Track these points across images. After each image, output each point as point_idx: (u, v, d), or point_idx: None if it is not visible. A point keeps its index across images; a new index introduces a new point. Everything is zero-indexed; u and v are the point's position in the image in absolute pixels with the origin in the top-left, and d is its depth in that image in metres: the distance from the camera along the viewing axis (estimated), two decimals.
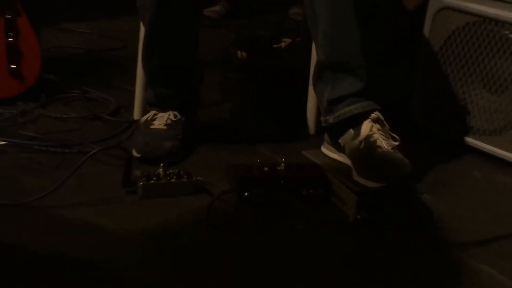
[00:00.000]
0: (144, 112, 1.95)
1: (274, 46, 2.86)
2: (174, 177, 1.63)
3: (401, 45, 2.36)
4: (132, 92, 2.07)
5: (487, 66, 1.93)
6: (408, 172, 1.57)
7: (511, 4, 1.92)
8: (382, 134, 1.67)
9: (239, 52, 2.78)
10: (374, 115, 1.71)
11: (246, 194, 1.60)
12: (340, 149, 1.76)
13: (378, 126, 1.69)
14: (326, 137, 1.84)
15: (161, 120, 1.86)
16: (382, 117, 1.71)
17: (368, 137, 1.66)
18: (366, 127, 1.68)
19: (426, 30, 2.05)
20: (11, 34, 2.02)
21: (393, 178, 1.56)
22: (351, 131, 1.71)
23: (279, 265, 1.39)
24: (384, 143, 1.65)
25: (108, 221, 1.51)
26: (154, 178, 1.61)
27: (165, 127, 1.84)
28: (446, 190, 1.77)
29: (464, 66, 1.98)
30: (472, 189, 1.83)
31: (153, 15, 1.77)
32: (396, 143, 1.67)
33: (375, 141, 1.65)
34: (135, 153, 1.76)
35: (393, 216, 1.58)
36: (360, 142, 1.66)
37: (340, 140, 1.75)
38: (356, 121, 1.71)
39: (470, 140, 2.00)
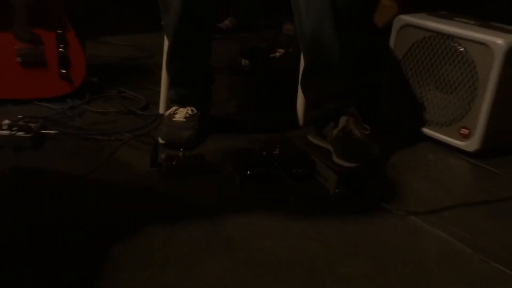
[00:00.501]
0: (168, 107, 1.95)
1: (271, 55, 2.86)
2: (191, 159, 1.63)
3: (372, 54, 2.36)
4: (158, 92, 2.07)
5: (440, 72, 1.93)
6: (377, 154, 1.58)
7: (459, 22, 1.93)
8: (356, 125, 1.68)
9: (243, 60, 2.78)
10: (349, 110, 1.72)
11: (248, 173, 1.60)
12: (323, 137, 1.76)
13: (353, 119, 1.69)
14: (311, 128, 1.85)
15: (181, 114, 1.86)
16: (356, 112, 1.72)
17: (345, 127, 1.66)
18: (343, 120, 1.68)
19: (392, 42, 2.06)
20: (62, 45, 2.02)
21: (365, 159, 1.57)
22: (332, 123, 1.72)
23: (274, 227, 1.41)
24: (357, 132, 1.66)
25: (139, 193, 1.52)
26: (175, 160, 1.62)
27: (184, 120, 1.84)
28: (406, 170, 1.78)
29: (422, 71, 1.98)
30: (427, 169, 1.83)
31: (175, 31, 1.77)
32: (367, 132, 1.67)
33: (350, 130, 1.66)
34: (160, 140, 1.76)
35: (364, 190, 1.59)
36: (338, 131, 1.67)
37: (323, 131, 1.76)
38: (335, 115, 1.71)
39: (426, 130, 2.00)
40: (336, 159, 1.63)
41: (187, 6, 1.72)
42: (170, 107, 1.92)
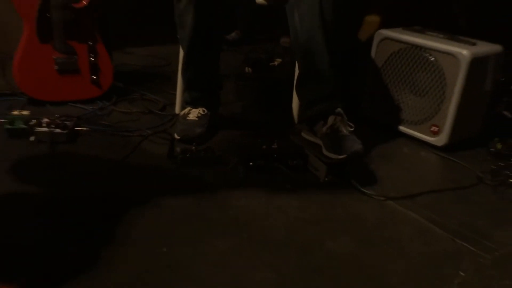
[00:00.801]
0: (182, 108, 1.94)
1: (270, 64, 2.86)
2: (202, 152, 1.63)
3: (356, 63, 2.36)
4: (174, 95, 2.06)
5: (413, 78, 1.92)
6: (359, 148, 1.58)
7: (430, 35, 1.93)
8: (342, 123, 1.68)
9: (246, 68, 2.78)
10: (337, 110, 1.71)
11: (251, 163, 1.61)
12: (314, 133, 1.76)
13: (339, 118, 1.69)
14: (305, 125, 1.84)
15: (194, 114, 1.85)
16: (342, 112, 1.72)
17: (333, 125, 1.66)
18: (331, 118, 1.67)
19: (373, 53, 2.05)
20: (92, 55, 2.02)
21: (350, 152, 1.57)
22: (321, 121, 1.71)
23: (272, 209, 1.42)
24: (343, 129, 1.66)
25: (157, 182, 1.53)
26: (189, 153, 1.62)
27: (196, 119, 1.84)
28: (384, 161, 1.78)
29: (398, 77, 1.98)
30: (402, 160, 1.83)
31: (188, 44, 1.78)
32: (352, 129, 1.67)
33: (337, 128, 1.65)
34: (176, 136, 1.76)
35: (349, 178, 1.59)
36: (327, 128, 1.66)
37: (314, 128, 1.76)
38: (324, 115, 1.70)
39: (401, 128, 2.00)
40: (325, 152, 1.63)
41: (199, 23, 1.72)
42: (185, 108, 1.91)
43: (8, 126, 1.69)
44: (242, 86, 2.54)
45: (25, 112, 1.74)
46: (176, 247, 1.21)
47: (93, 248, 1.19)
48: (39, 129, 1.68)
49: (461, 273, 1.21)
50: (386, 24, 2.13)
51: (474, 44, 1.85)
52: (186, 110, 1.89)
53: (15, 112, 1.74)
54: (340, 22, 1.71)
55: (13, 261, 1.13)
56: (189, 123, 1.83)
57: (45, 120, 1.72)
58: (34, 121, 1.71)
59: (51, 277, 1.09)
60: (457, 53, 1.78)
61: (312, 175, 1.63)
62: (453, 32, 1.97)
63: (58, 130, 1.69)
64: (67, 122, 1.73)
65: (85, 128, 1.80)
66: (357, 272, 1.19)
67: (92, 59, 2.03)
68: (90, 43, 2.01)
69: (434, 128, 1.89)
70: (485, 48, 1.85)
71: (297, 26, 1.71)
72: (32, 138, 1.68)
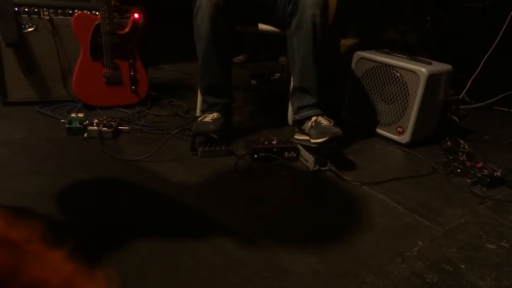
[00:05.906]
0: (201, 114, 1.93)
1: (271, 78, 2.87)
2: (218, 146, 1.64)
3: (338, 78, 2.36)
4: (195, 101, 2.07)
5: (383, 89, 1.93)
6: (339, 131, 1.56)
7: (396, 56, 1.93)
8: (323, 118, 1.69)
9: (252, 81, 2.79)
10: (319, 114, 1.72)
11: (255, 156, 1.62)
12: (303, 132, 1.77)
13: (321, 116, 1.71)
14: (296, 127, 1.85)
15: (209, 117, 1.82)
16: (323, 114, 1.73)
17: (316, 120, 1.68)
18: (314, 117, 1.70)
19: (353, 69, 2.05)
20: (133, 70, 2.03)
21: (331, 134, 1.56)
22: (307, 121, 1.72)
23: (272, 191, 1.42)
24: (324, 122, 1.66)
25: (182, 169, 1.53)
26: (207, 147, 1.63)
27: (210, 120, 1.79)
28: (360, 155, 1.78)
29: (372, 88, 1.98)
30: (374, 154, 1.83)
31: (203, 53, 1.74)
32: (331, 124, 1.67)
33: (320, 121, 1.67)
34: (192, 130, 1.72)
35: (331, 168, 1.59)
36: (312, 123, 1.68)
37: (302, 127, 1.76)
38: (309, 118, 1.72)
39: (374, 128, 2.00)
40: (313, 140, 1.63)
41: (212, 33, 1.69)
42: (202, 113, 1.89)
43: (68, 125, 1.70)
44: (249, 95, 2.54)
45: (80, 115, 1.75)
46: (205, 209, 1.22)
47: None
48: (90, 127, 1.69)
49: (419, 242, 1.21)
50: (363, 47, 2.13)
51: (430, 63, 1.85)
52: (202, 116, 1.87)
53: (73, 115, 1.75)
54: (327, 48, 1.71)
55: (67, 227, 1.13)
56: (205, 123, 1.80)
57: (95, 120, 1.73)
58: (87, 121, 1.72)
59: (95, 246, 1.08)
60: (417, 70, 1.78)
61: (303, 165, 1.64)
62: (414, 54, 1.98)
63: (105, 129, 1.70)
64: (112, 122, 1.74)
65: (126, 127, 1.80)
66: (337, 241, 1.19)
67: (132, 73, 2.04)
68: (131, 61, 2.02)
69: (399, 129, 1.89)
70: (438, 67, 1.85)
71: (294, 50, 1.72)
72: (85, 135, 1.69)
